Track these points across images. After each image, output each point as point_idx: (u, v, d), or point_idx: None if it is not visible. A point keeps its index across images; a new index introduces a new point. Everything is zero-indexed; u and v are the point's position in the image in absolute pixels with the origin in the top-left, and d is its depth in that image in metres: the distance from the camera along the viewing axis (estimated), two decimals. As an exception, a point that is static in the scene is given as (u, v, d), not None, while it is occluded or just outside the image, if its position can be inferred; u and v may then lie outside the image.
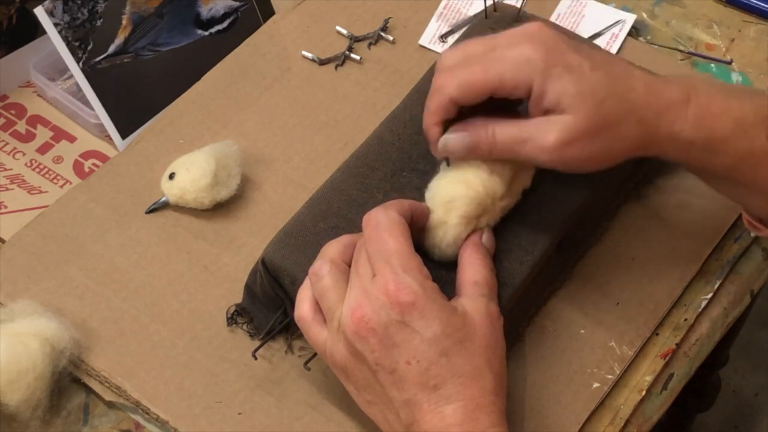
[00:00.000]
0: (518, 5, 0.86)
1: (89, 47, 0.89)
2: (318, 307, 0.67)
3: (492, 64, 0.66)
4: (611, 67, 0.67)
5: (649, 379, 0.75)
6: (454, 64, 0.68)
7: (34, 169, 0.90)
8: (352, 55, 0.95)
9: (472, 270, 0.68)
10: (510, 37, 0.67)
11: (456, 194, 0.69)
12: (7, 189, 0.89)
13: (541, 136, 0.65)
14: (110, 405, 0.75)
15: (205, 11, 0.95)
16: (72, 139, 0.93)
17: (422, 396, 0.62)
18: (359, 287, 0.64)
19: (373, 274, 0.64)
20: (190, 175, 0.82)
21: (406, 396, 0.62)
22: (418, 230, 0.68)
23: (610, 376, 0.74)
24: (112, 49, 0.90)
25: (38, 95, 0.96)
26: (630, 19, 0.97)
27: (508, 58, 0.66)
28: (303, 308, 0.67)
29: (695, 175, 0.73)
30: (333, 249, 0.67)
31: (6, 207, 0.87)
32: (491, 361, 0.64)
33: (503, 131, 0.67)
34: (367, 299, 0.63)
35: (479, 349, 0.63)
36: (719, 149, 0.67)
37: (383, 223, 0.65)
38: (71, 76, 0.91)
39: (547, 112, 0.66)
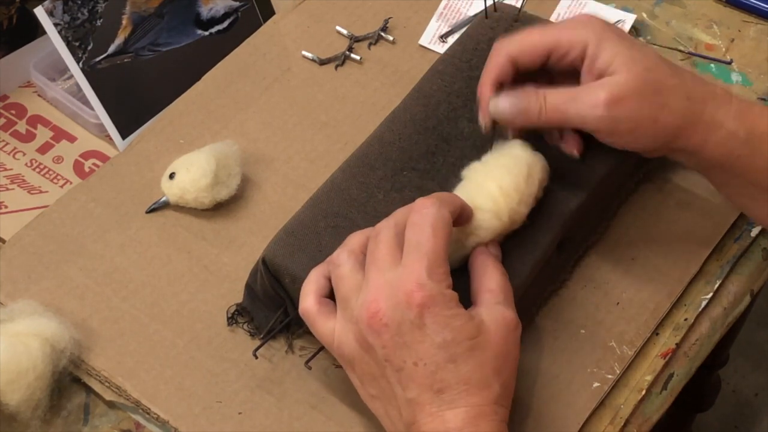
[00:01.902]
0: (518, 5, 0.86)
1: (89, 47, 0.89)
2: (323, 300, 0.67)
3: (550, 29, 0.71)
4: (658, 52, 0.72)
5: (649, 378, 0.75)
6: (511, 36, 0.72)
7: (34, 169, 0.90)
8: (352, 55, 0.95)
9: (486, 277, 0.68)
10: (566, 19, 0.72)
11: (483, 224, 0.69)
12: (8, 189, 0.89)
13: (593, 93, 0.68)
14: (110, 405, 0.75)
15: (205, 11, 0.95)
16: (72, 139, 0.93)
17: (426, 398, 0.62)
18: (377, 278, 0.63)
19: (399, 260, 0.63)
20: (190, 175, 0.82)
21: (410, 395, 0.62)
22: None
23: (610, 376, 0.74)
24: (112, 49, 0.90)
25: (38, 95, 0.96)
26: (630, 19, 0.97)
27: (565, 23, 0.72)
28: (308, 301, 0.67)
29: (726, 186, 0.74)
30: (355, 240, 0.67)
31: (6, 207, 0.87)
32: (500, 372, 0.64)
33: (554, 93, 0.69)
34: (384, 294, 0.62)
35: (489, 359, 0.63)
36: (760, 145, 0.69)
37: (433, 218, 0.64)
38: (71, 76, 0.91)
39: (599, 76, 0.68)
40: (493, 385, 0.63)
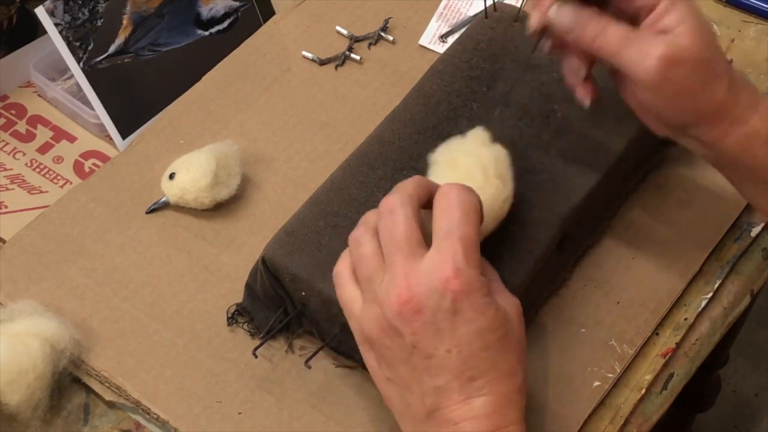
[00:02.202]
0: (518, 5, 0.86)
1: (90, 47, 0.89)
2: None
3: None
4: None
5: (649, 378, 0.75)
6: None
7: (34, 169, 0.90)
8: (352, 55, 0.95)
9: (488, 267, 0.67)
10: None
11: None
12: (8, 189, 0.89)
13: (653, 44, 0.67)
14: (110, 405, 0.75)
15: (205, 11, 0.95)
16: (72, 139, 0.93)
17: (455, 385, 0.61)
18: (403, 264, 0.61)
19: (427, 246, 0.62)
20: (190, 175, 0.82)
21: (438, 383, 0.61)
22: None
23: (610, 375, 0.74)
24: (112, 49, 0.90)
25: (38, 95, 0.96)
26: (630, 19, 0.97)
27: None
28: (342, 264, 0.66)
29: (738, 181, 0.74)
30: (373, 217, 0.65)
31: (6, 207, 0.87)
32: (521, 359, 0.64)
33: (613, 29, 0.68)
34: (416, 280, 0.61)
35: (515, 347, 0.63)
36: None
37: (463, 202, 0.63)
38: (71, 76, 0.91)
39: (661, 32, 0.67)
40: (519, 373, 0.63)
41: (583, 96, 0.73)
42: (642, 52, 0.67)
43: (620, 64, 0.68)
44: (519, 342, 0.64)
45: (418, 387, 0.62)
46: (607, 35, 0.68)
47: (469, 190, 0.64)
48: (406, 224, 0.63)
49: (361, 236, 0.65)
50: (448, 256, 0.61)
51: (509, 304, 0.65)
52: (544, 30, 0.70)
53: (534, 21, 0.70)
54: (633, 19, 0.69)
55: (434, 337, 0.61)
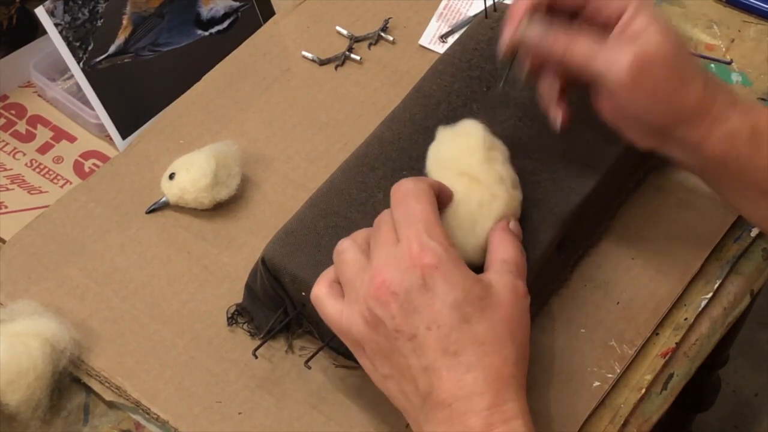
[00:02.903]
0: (518, 5, 0.86)
1: (90, 47, 0.89)
2: (334, 285, 0.67)
3: None
4: None
5: (649, 378, 0.75)
6: None
7: (34, 169, 0.90)
8: (352, 55, 0.95)
9: (500, 249, 0.67)
10: None
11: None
12: (8, 189, 0.89)
13: (622, 49, 0.68)
14: (110, 405, 0.75)
15: (205, 11, 0.95)
16: (72, 139, 0.93)
17: (441, 363, 0.61)
18: (380, 255, 0.63)
19: (398, 240, 0.63)
20: (190, 175, 0.82)
21: (425, 362, 0.61)
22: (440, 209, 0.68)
23: (610, 375, 0.74)
24: (112, 49, 0.90)
25: (38, 95, 0.96)
26: (630, 19, 0.97)
27: None
28: (318, 286, 0.67)
29: (723, 187, 0.74)
30: (359, 233, 0.68)
31: (6, 207, 0.87)
32: (514, 333, 0.63)
33: (583, 39, 0.69)
34: (388, 264, 0.62)
35: (502, 320, 0.63)
36: (761, 144, 0.69)
37: (411, 191, 0.65)
38: (71, 76, 0.91)
39: (631, 38, 0.68)
40: (508, 346, 0.62)
41: (556, 115, 0.74)
42: (612, 59, 0.68)
43: (593, 74, 0.69)
44: (510, 317, 0.63)
45: (409, 372, 0.62)
46: (576, 46, 0.69)
47: (415, 180, 0.66)
48: (386, 228, 0.65)
49: (343, 246, 0.67)
50: (412, 236, 0.63)
51: (501, 282, 0.65)
52: (514, 55, 0.71)
53: (505, 37, 0.71)
54: (603, 29, 0.70)
55: (413, 316, 0.62)
